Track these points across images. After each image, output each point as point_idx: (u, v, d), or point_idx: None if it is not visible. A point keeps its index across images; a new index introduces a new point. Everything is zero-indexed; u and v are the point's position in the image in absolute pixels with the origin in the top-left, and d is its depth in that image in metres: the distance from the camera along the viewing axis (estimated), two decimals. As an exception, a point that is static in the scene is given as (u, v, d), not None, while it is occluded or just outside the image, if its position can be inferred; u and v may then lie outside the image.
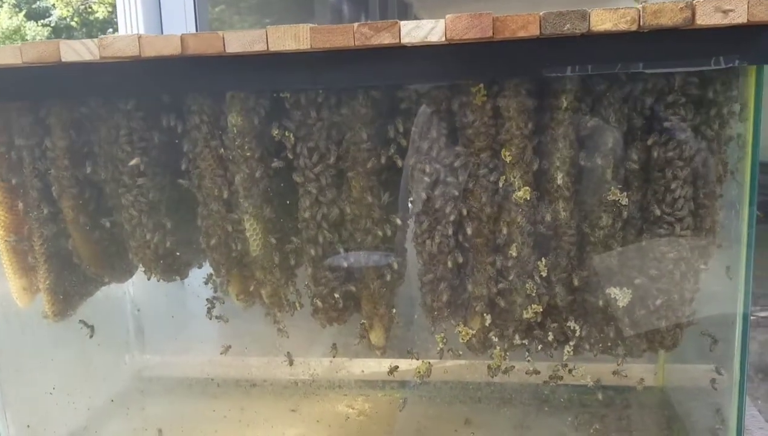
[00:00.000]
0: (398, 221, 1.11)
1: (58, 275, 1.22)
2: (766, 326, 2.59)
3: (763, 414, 2.19)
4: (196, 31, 2.05)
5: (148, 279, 1.19)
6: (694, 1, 0.86)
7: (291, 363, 1.28)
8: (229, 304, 1.23)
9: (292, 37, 0.94)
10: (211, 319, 1.25)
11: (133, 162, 1.11)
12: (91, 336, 1.30)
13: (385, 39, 0.93)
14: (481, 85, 1.00)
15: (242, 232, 1.11)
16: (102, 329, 1.37)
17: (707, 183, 1.01)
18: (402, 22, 0.92)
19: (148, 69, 1.02)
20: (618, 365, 1.15)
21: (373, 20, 0.92)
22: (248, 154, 1.07)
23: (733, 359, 1.08)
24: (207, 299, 1.27)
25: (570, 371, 1.14)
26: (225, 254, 1.15)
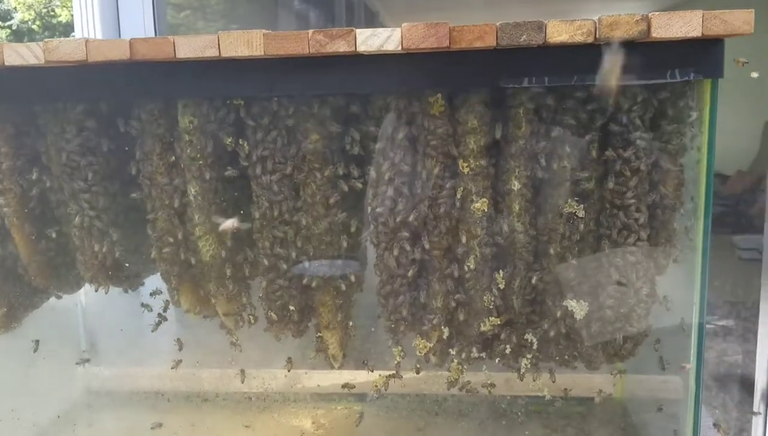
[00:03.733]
0: (352, 230, 1.09)
1: (1, 286, 1.17)
2: (723, 336, 2.63)
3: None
4: (155, 35, 2.01)
5: (96, 291, 1.15)
6: (649, 14, 0.87)
7: (243, 380, 1.24)
8: (180, 316, 1.20)
9: (244, 43, 0.92)
10: (153, 332, 1.22)
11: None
12: (35, 350, 1.26)
13: (341, 47, 0.91)
14: (439, 95, 0.99)
15: (194, 242, 1.08)
16: (52, 341, 1.33)
17: (664, 195, 1.02)
18: (358, 30, 0.91)
19: (97, 74, 0.99)
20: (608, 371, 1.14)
21: (339, 27, 0.90)
22: (201, 162, 1.04)
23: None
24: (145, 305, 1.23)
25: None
26: (176, 265, 1.11)
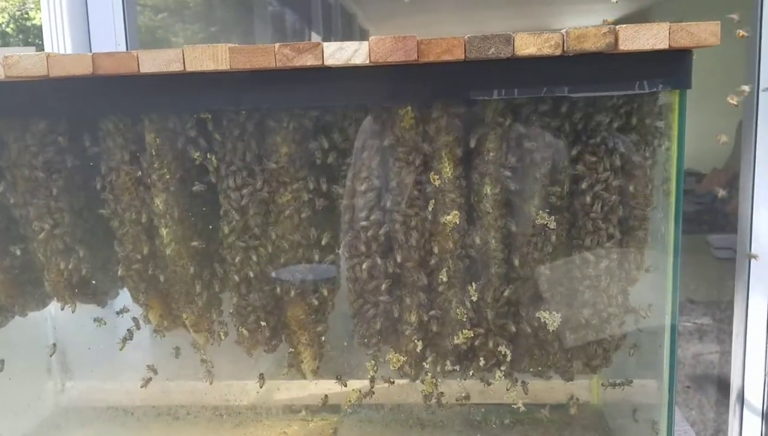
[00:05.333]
0: (324, 243, 1.08)
1: (-34, 305, 1.15)
2: (699, 336, 2.65)
3: (695, 427, 2.24)
4: (126, 41, 1.99)
5: (62, 309, 1.13)
6: (617, 27, 0.87)
7: (211, 382, 1.21)
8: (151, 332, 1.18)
9: (210, 57, 0.91)
10: (121, 350, 1.20)
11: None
12: (0, 370, 1.23)
13: (308, 60, 0.90)
14: (409, 107, 0.98)
15: (162, 258, 1.06)
16: (21, 358, 1.30)
17: (635, 204, 1.02)
18: (325, 44, 0.90)
19: (61, 88, 0.97)
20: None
21: (316, 30, 0.90)
22: (168, 176, 1.03)
23: (662, 371, 1.08)
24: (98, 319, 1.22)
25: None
26: (144, 281, 1.09)
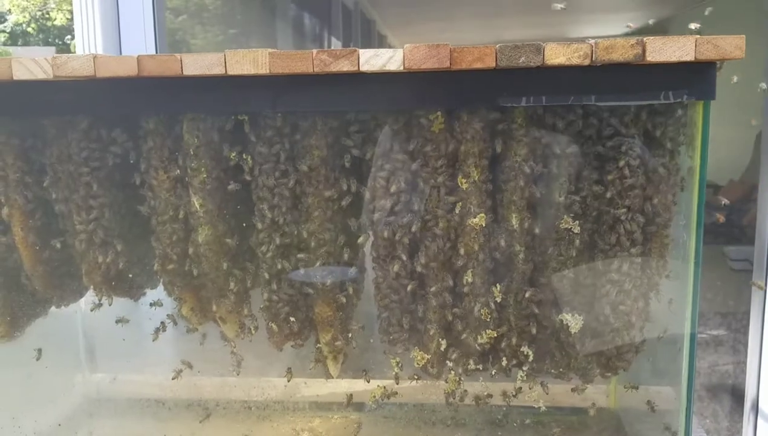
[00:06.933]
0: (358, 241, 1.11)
1: (5, 295, 1.18)
2: (715, 346, 2.65)
3: (710, 435, 2.25)
4: (155, 43, 2.03)
5: (99, 301, 1.17)
6: (644, 39, 0.89)
7: (238, 373, 1.24)
8: (181, 325, 1.21)
9: (250, 62, 0.94)
10: (154, 341, 1.23)
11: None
12: (38, 359, 1.27)
13: (344, 66, 0.94)
14: (439, 113, 1.01)
15: (197, 254, 1.10)
16: (53, 348, 1.33)
17: (657, 212, 1.04)
18: (361, 51, 0.93)
19: (104, 88, 1.01)
20: (581, 387, 1.16)
21: (335, 35, 0.92)
22: (204, 175, 1.06)
23: (680, 379, 1.10)
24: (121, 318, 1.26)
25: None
26: (179, 276, 1.13)
